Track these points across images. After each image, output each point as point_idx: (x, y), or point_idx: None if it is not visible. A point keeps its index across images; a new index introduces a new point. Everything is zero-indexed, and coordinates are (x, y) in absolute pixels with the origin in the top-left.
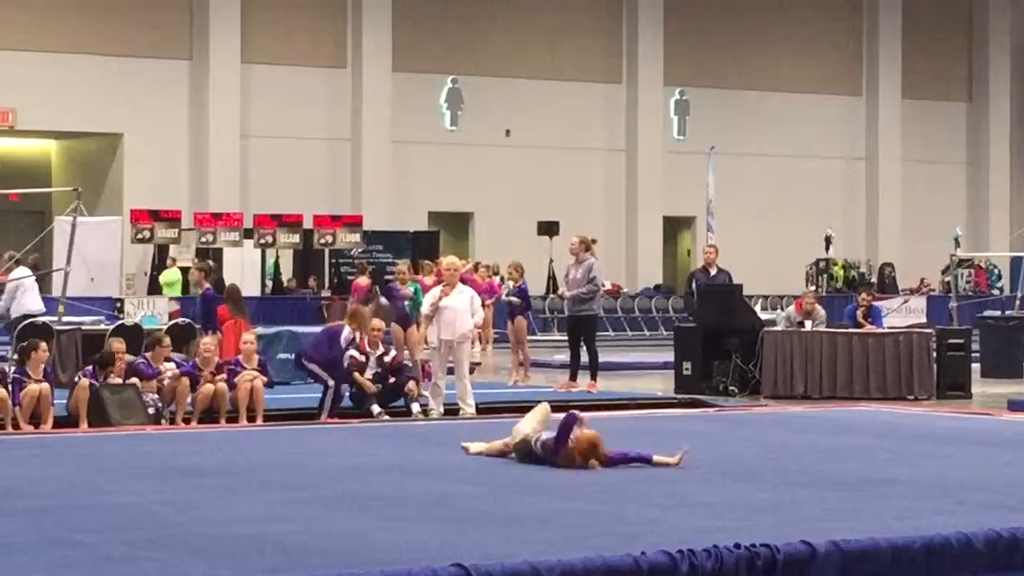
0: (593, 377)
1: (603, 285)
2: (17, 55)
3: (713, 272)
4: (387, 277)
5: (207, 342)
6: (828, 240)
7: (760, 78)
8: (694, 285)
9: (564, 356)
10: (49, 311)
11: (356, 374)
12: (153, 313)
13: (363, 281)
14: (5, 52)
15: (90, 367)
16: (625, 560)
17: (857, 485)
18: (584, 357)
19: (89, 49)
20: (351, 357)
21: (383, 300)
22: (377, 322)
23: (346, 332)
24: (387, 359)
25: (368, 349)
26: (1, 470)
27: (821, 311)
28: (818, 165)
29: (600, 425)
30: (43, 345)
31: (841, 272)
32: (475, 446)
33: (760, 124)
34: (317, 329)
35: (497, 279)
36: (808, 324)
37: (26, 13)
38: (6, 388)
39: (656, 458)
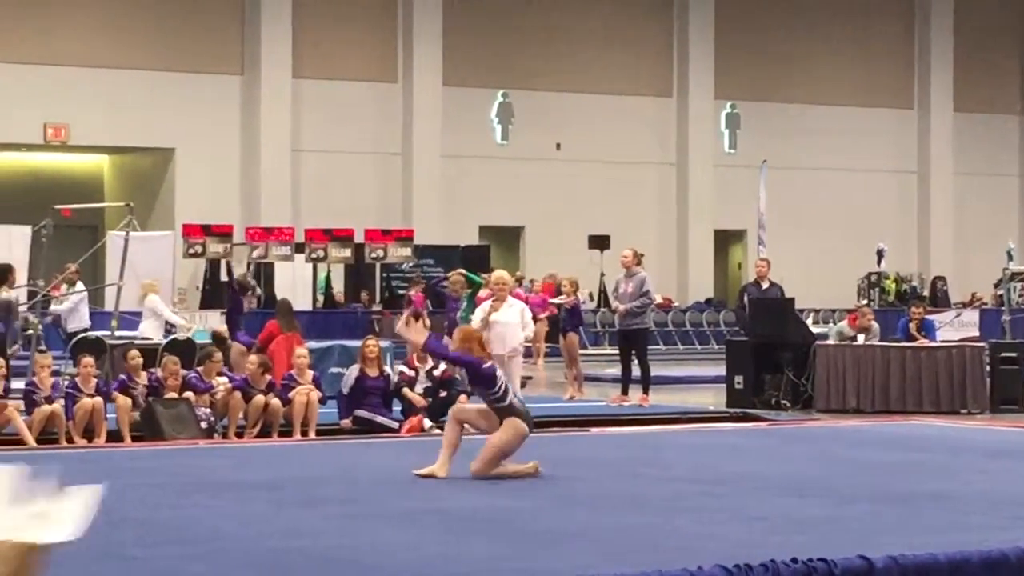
0: (645, 391)
1: (654, 298)
2: (70, 71)
3: (765, 285)
4: (442, 287)
5: (252, 359)
6: (880, 254)
7: (812, 91)
8: (746, 299)
9: (616, 370)
10: (102, 325)
11: (405, 389)
12: (206, 327)
13: (417, 294)
14: (58, 68)
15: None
16: (682, 575)
17: (911, 499)
18: (636, 371)
19: (141, 65)
20: (400, 372)
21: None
22: None
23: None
24: (437, 373)
25: (417, 364)
26: None
27: (876, 327)
28: (870, 178)
29: (653, 439)
30: (88, 359)
31: (893, 286)
32: (426, 469)
33: (811, 137)
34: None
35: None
36: (861, 338)
37: (79, 29)
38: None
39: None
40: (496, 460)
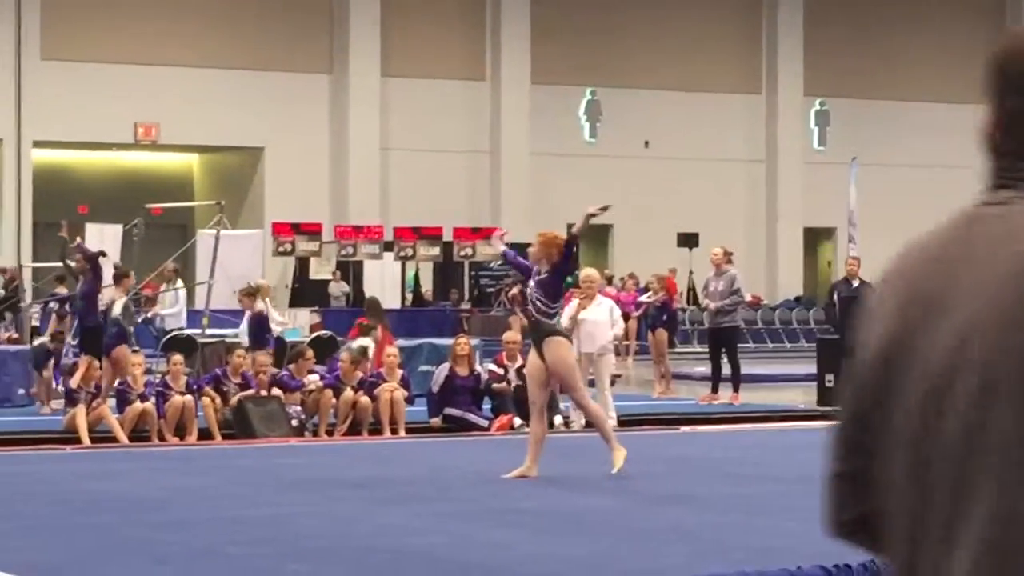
0: (736, 389)
1: (745, 296)
2: (161, 71)
3: (855, 284)
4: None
5: (345, 355)
6: None
7: (902, 87)
8: (835, 297)
9: (705, 368)
10: (192, 323)
11: (496, 385)
12: (295, 325)
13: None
14: (149, 68)
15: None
16: (781, 575)
17: None
18: (726, 369)
19: (231, 64)
20: (490, 371)
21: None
22: (513, 334)
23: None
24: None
25: (507, 362)
26: (148, 482)
27: None
28: (961, 174)
29: (744, 438)
30: (178, 357)
31: None
32: (516, 472)
33: (901, 134)
34: (449, 341)
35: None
36: None
37: (169, 30)
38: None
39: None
40: (570, 380)
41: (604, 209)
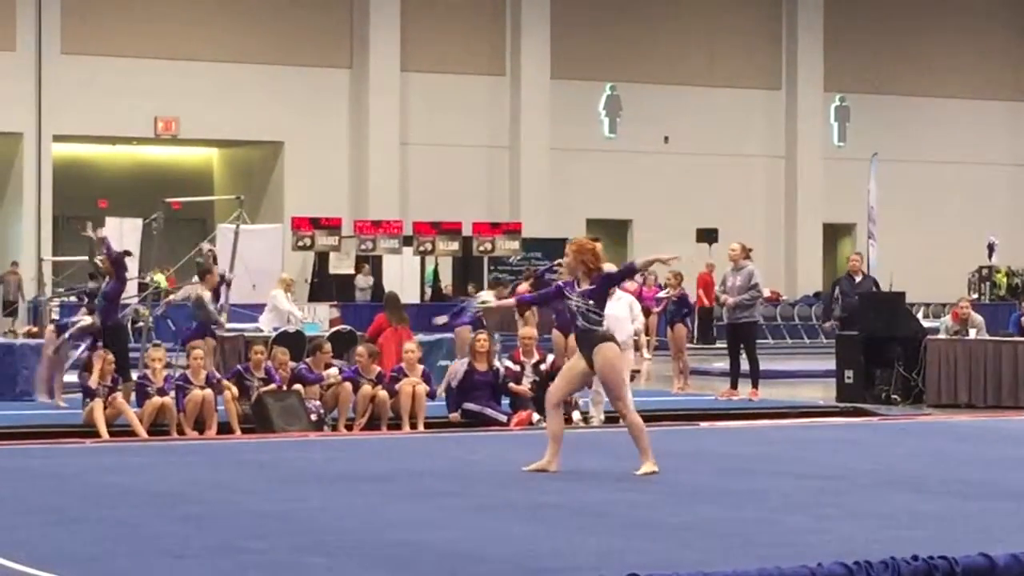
0: (754, 385)
1: (763, 292)
2: (180, 65)
3: (858, 279)
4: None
5: (361, 349)
6: (991, 247)
7: (922, 83)
8: (837, 291)
9: (724, 363)
10: None
11: (512, 384)
12: (314, 320)
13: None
14: (169, 62)
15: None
16: (801, 571)
17: None
18: (745, 365)
19: (251, 59)
20: (506, 367)
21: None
22: (528, 330)
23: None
24: (543, 366)
25: (523, 358)
26: (167, 476)
27: (977, 317)
28: (981, 171)
29: (763, 434)
30: (198, 351)
31: (1004, 280)
32: (535, 465)
33: (922, 130)
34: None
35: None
36: (972, 332)
37: (189, 24)
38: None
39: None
40: (617, 388)
41: (672, 259)
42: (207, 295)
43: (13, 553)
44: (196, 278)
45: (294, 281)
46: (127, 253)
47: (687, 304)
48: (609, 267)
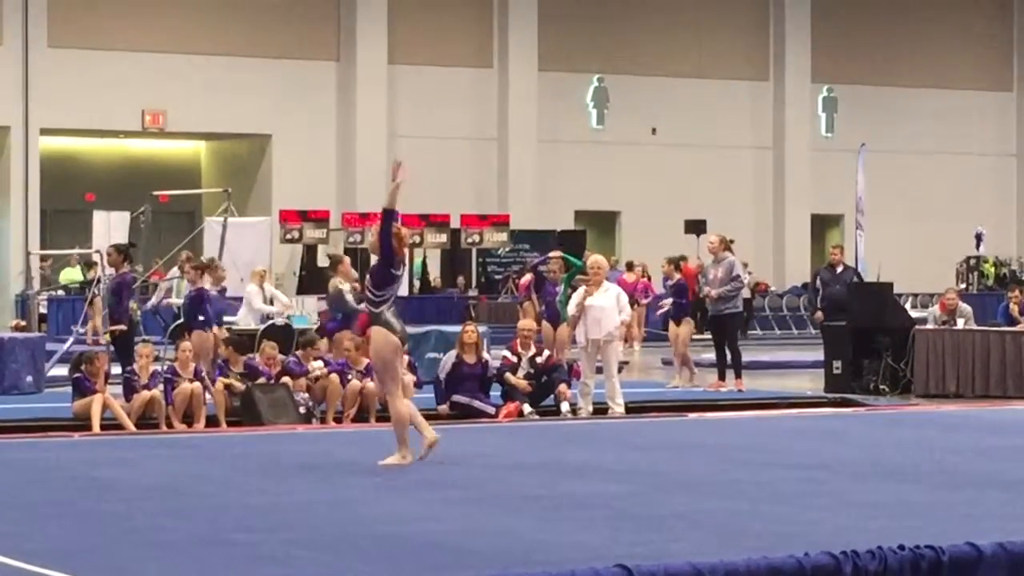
0: (738, 376)
1: (745, 282)
2: (167, 58)
3: (839, 270)
4: (541, 269)
5: (349, 343)
6: (979, 237)
7: (909, 74)
8: (818, 282)
9: (711, 355)
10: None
11: (508, 375)
12: (303, 313)
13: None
14: (155, 55)
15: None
16: (788, 561)
17: (1015, 485)
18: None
19: (237, 51)
20: (503, 358)
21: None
22: (527, 323)
23: None
24: (539, 360)
25: (520, 350)
26: (156, 469)
27: (965, 307)
28: (969, 162)
29: (751, 425)
30: (186, 344)
31: (992, 270)
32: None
33: (909, 121)
34: (457, 328)
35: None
36: (961, 323)
37: (174, 17)
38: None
39: None
40: (380, 375)
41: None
42: (346, 286)
43: (1, 546)
44: (329, 271)
45: (266, 272)
46: (132, 245)
47: (684, 295)
48: None
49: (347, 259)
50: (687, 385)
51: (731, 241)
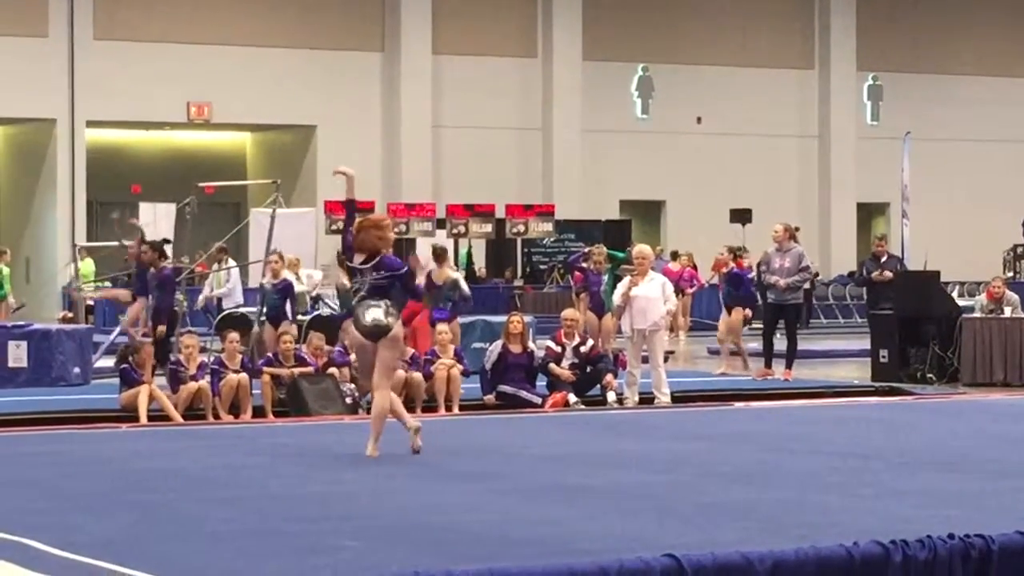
0: (788, 366)
1: (814, 272)
2: (213, 50)
3: (884, 259)
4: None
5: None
6: None
7: (954, 62)
8: (864, 273)
9: (757, 344)
10: (247, 302)
11: (552, 365)
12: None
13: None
14: (201, 47)
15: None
16: (837, 551)
17: None
18: (780, 344)
19: (283, 43)
20: (547, 348)
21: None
22: (571, 312)
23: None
24: (583, 349)
25: (564, 340)
26: (203, 460)
27: (1012, 295)
28: (1015, 149)
29: (798, 414)
30: (233, 335)
31: None
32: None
33: (955, 108)
34: (503, 319)
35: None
36: (1008, 311)
37: (220, 8)
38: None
39: None
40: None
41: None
42: (456, 274)
43: (49, 537)
44: (434, 263)
45: (299, 261)
46: (167, 241)
47: (746, 281)
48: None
49: (447, 250)
50: (740, 373)
51: (796, 229)
